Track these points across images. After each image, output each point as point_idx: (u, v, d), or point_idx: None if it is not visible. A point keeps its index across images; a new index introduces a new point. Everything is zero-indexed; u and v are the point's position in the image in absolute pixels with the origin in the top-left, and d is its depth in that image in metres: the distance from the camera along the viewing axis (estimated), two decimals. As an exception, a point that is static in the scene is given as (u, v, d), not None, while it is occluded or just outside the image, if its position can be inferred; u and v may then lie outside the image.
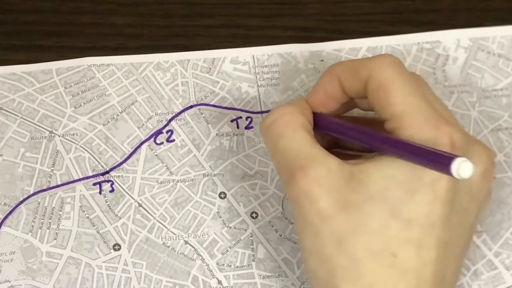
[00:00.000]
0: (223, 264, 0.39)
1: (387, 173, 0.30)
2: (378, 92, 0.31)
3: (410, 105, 0.31)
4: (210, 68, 0.43)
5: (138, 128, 0.42)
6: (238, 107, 0.42)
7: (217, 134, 0.42)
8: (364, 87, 0.32)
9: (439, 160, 0.28)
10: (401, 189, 0.30)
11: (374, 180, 0.30)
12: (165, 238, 0.40)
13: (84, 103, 0.42)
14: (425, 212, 0.30)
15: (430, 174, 0.30)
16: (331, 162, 0.31)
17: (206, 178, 0.41)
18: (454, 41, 0.43)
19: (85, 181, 0.41)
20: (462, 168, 0.27)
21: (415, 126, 0.30)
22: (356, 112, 0.38)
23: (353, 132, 0.33)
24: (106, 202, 0.40)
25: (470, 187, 0.32)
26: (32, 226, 0.40)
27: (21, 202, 0.40)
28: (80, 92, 0.42)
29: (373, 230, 0.30)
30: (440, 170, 0.28)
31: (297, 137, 0.32)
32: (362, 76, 0.32)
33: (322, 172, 0.31)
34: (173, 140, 0.42)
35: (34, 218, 0.40)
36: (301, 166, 0.31)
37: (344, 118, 0.36)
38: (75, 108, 0.42)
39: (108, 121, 0.42)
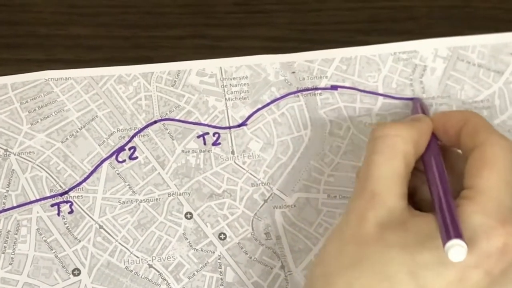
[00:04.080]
0: (190, 289, 0.39)
1: (430, 234, 0.30)
2: (478, 161, 0.32)
3: (495, 189, 0.31)
4: (175, 81, 0.42)
5: (99, 145, 0.41)
6: (205, 122, 0.42)
7: (182, 151, 0.41)
8: (472, 148, 0.33)
9: (447, 229, 0.28)
10: (432, 255, 0.30)
11: (415, 233, 0.30)
12: (128, 261, 0.39)
13: (41, 120, 0.41)
14: None
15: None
16: (398, 205, 0.32)
17: (171, 197, 0.40)
18: (432, 50, 0.43)
19: (43, 202, 0.40)
20: (454, 250, 0.27)
21: (486, 208, 0.30)
22: None
23: (427, 163, 0.34)
24: (65, 224, 0.40)
25: None
26: (-14, 250, 0.39)
27: (-26, 225, 0.40)
28: (37, 108, 0.42)
29: (384, 275, 0.30)
30: (442, 239, 0.28)
31: (390, 165, 0.33)
32: (477, 139, 0.33)
33: (384, 209, 0.31)
34: (136, 158, 0.41)
35: (-12, 242, 0.39)
36: (373, 191, 0.32)
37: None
38: (31, 124, 0.41)
39: (67, 138, 0.41)
